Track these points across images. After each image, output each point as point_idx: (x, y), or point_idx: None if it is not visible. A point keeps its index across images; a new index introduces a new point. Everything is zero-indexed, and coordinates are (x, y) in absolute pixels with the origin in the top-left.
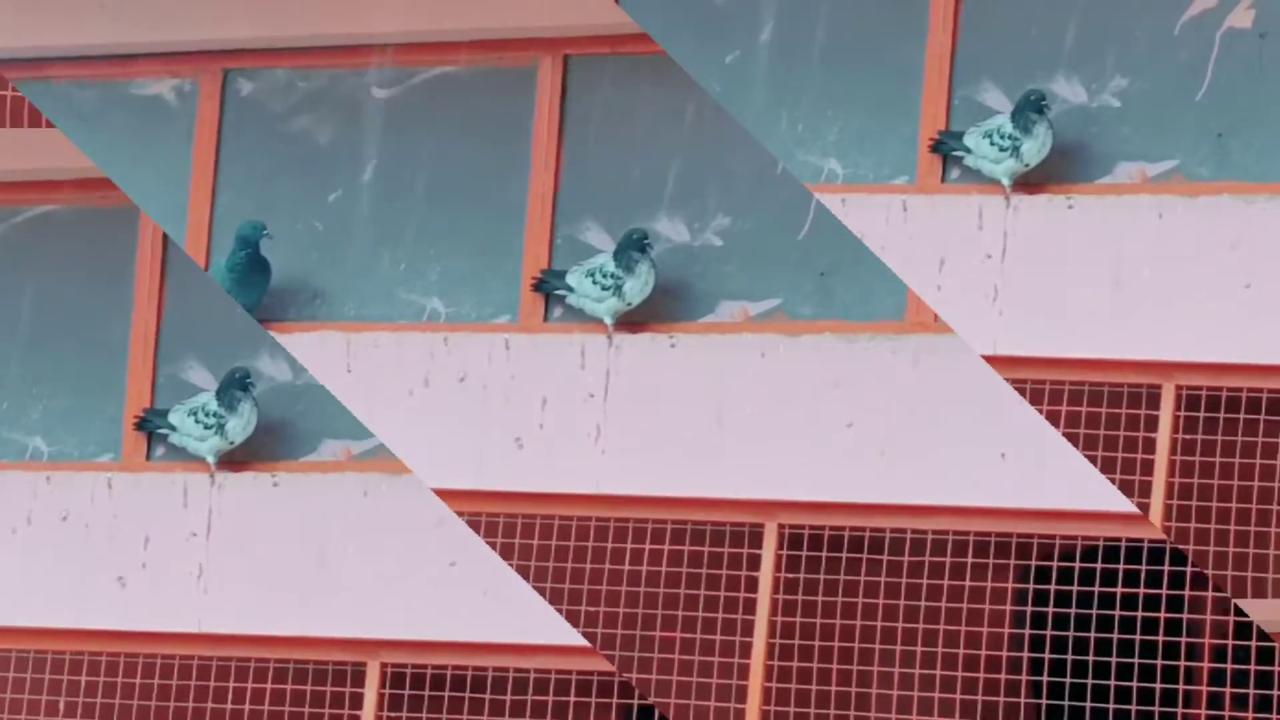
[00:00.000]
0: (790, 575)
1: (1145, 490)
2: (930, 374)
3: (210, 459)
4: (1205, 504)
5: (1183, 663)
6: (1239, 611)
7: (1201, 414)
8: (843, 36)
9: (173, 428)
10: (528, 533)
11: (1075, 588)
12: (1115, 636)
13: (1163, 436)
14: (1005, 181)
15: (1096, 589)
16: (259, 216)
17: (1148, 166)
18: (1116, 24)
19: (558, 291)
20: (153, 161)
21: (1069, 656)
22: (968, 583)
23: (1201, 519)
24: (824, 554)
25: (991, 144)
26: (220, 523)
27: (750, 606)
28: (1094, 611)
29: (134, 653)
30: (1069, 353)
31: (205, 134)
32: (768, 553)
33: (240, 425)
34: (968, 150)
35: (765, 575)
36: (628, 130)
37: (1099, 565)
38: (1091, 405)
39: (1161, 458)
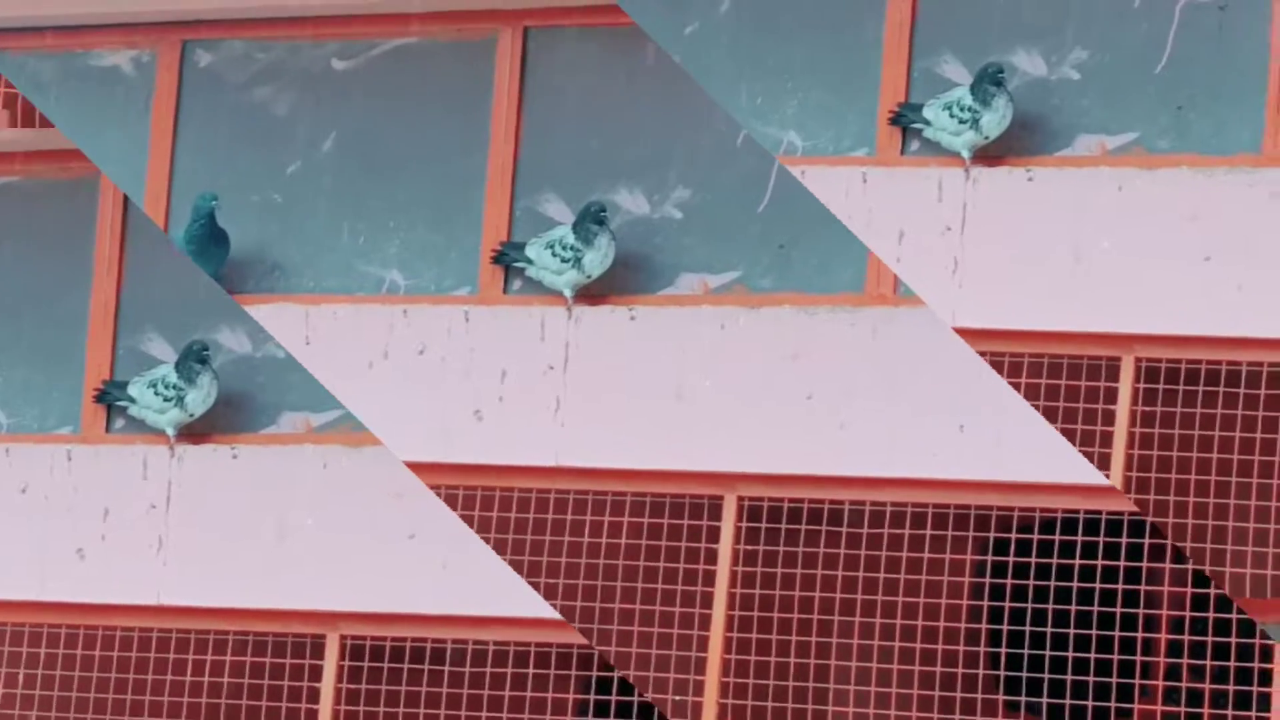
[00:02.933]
0: (750, 547)
1: (1105, 462)
2: (889, 346)
3: (170, 431)
4: (1164, 475)
5: (1140, 634)
6: (1197, 582)
7: (1161, 386)
8: (802, 8)
9: (132, 400)
10: (487, 505)
11: (1034, 559)
12: (1073, 608)
13: (1122, 408)
14: (965, 154)
15: (1055, 561)
16: (216, 188)
17: (1107, 139)
18: None
19: (517, 264)
20: (110, 133)
21: (1027, 628)
22: (926, 554)
23: (1160, 490)
24: (783, 526)
25: (951, 116)
26: (180, 495)
27: (710, 578)
28: (1052, 583)
29: (93, 625)
30: (1028, 325)
31: (163, 105)
32: (727, 525)
33: (200, 397)
34: (927, 123)
35: (725, 547)
36: (587, 102)
37: (1057, 537)
38: (1051, 377)
39: (1121, 430)
